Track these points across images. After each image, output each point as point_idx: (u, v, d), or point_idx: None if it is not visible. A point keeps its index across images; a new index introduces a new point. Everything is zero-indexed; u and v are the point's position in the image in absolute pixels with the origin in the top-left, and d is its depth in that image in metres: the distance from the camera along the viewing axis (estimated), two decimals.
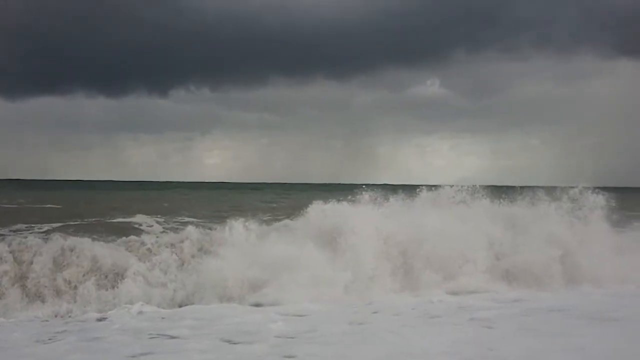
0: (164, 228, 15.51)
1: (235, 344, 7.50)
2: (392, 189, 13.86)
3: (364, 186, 13.16)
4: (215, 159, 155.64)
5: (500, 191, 14.12)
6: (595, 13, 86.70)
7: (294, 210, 13.93)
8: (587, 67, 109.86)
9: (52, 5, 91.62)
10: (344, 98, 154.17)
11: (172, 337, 7.80)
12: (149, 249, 11.21)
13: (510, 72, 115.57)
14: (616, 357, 6.86)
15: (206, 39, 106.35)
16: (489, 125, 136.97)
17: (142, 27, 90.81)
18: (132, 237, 11.72)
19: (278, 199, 33.67)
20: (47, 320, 8.93)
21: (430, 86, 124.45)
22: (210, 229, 12.55)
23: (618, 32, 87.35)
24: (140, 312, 9.08)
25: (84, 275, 10.07)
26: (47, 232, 13.66)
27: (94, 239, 11.42)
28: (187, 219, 17.29)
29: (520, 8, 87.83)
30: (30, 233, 12.92)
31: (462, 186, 13.92)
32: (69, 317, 9.13)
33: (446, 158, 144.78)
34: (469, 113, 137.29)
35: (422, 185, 14.01)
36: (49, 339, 7.75)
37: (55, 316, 9.14)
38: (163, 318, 8.90)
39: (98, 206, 23.04)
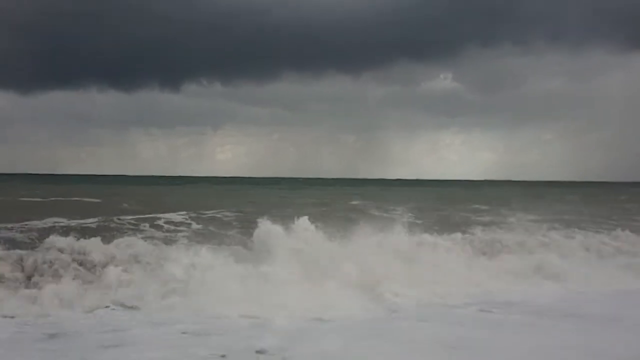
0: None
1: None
2: (406, 184, 13.15)
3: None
4: (227, 153, 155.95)
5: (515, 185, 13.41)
6: (608, 8, 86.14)
7: (351, 211, 13.24)
8: (599, 61, 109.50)
9: (64, 2, 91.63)
10: (356, 93, 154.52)
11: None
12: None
13: (522, 67, 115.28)
14: (611, 354, 6.81)
15: (218, 33, 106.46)
16: (501, 120, 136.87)
17: (154, 22, 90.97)
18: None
19: (322, 195, 32.52)
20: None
21: (443, 80, 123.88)
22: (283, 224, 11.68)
23: (631, 26, 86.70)
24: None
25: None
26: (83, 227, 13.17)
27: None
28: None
29: (533, 3, 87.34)
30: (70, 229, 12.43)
31: None
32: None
33: (458, 153, 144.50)
34: (481, 107, 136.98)
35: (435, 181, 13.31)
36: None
37: None
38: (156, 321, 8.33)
39: (134, 200, 22.21)
